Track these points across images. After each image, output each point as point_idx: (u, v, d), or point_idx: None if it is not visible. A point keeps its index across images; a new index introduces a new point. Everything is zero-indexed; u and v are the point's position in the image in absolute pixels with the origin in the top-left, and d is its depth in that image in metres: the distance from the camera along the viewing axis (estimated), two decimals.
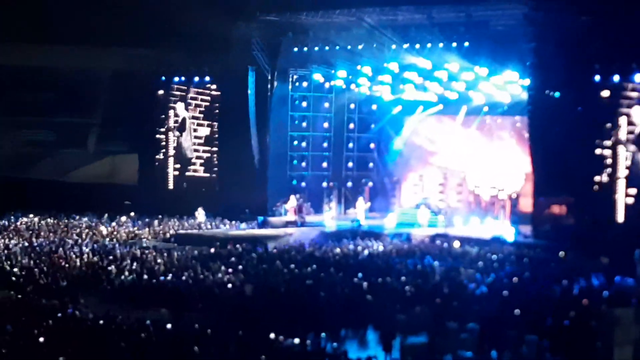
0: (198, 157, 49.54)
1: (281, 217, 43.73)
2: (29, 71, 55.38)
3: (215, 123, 49.03)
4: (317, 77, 46.47)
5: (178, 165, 49.86)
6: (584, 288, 25.79)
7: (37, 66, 55.52)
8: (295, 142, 47.45)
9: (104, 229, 40.55)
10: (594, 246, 32.38)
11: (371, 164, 48.49)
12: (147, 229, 41.30)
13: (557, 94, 37.30)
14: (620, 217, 35.26)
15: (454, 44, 40.75)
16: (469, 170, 44.93)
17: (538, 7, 37.49)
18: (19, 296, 24.58)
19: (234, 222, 43.43)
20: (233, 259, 31.07)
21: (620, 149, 35.25)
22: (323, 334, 20.75)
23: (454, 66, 41.20)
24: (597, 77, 35.71)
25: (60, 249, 33.21)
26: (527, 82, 39.14)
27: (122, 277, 27.43)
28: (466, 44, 40.48)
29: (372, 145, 48.49)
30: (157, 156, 50.22)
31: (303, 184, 47.48)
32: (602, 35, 35.80)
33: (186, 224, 43.49)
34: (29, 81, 55.84)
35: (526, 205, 40.04)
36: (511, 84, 41.01)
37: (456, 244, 35.31)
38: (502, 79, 40.80)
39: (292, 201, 44.58)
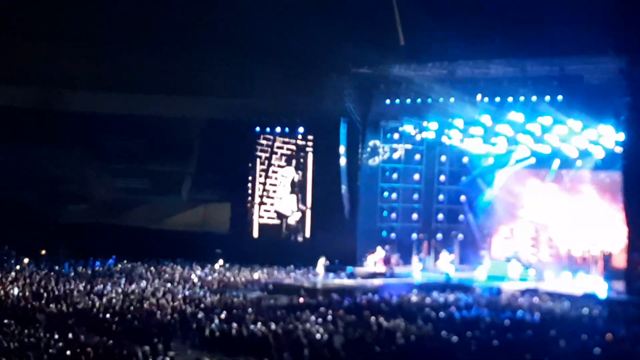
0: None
1: (369, 268, 43.68)
2: (124, 119, 56.42)
3: (307, 174, 49.39)
4: (409, 129, 46.55)
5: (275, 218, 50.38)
6: None
7: (133, 114, 56.56)
8: (386, 194, 47.51)
9: (195, 277, 41.00)
10: None
11: (461, 217, 48.20)
12: (237, 278, 41.61)
13: None
14: None
15: (547, 98, 40.61)
16: (560, 225, 44.42)
17: (633, 62, 37.22)
18: (111, 342, 24.90)
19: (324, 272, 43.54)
20: (322, 309, 31.09)
21: None
22: None
23: (547, 120, 40.99)
24: None
25: (152, 295, 33.72)
26: (621, 136, 38.79)
27: (212, 324, 27.64)
28: (559, 97, 40.33)
29: (462, 198, 48.24)
30: (249, 205, 50.89)
31: (393, 235, 47.45)
32: None
33: (276, 273, 43.70)
34: (125, 129, 56.86)
35: (619, 261, 39.44)
36: (604, 139, 40.58)
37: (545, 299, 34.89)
38: (595, 133, 40.43)
39: (380, 252, 44.57)
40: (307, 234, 49.17)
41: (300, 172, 49.74)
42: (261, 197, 50.91)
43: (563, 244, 44.06)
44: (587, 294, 36.54)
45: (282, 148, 50.38)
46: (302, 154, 49.70)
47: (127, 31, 52.78)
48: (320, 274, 41.60)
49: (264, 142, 50.79)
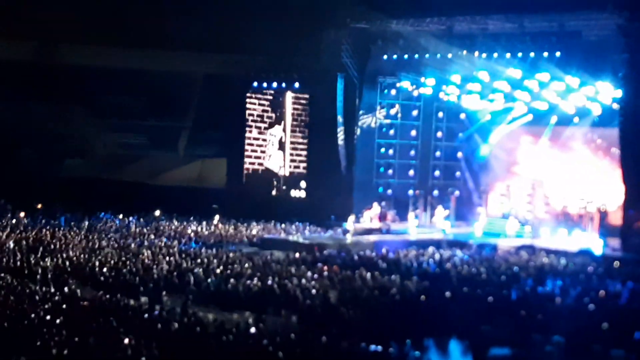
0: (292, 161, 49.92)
1: (365, 224, 43.69)
2: (122, 74, 56.30)
3: (304, 129, 49.32)
4: (406, 84, 46.37)
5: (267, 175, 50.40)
6: None
7: (130, 69, 56.44)
8: (383, 150, 47.43)
9: (191, 232, 41.06)
10: None
11: (458, 173, 48.19)
12: (233, 233, 41.68)
13: None
14: None
15: (545, 54, 40.42)
16: (556, 181, 44.44)
17: (632, 18, 37.04)
18: (107, 296, 24.96)
19: (319, 228, 43.65)
20: (319, 264, 31.15)
21: None
22: (407, 341, 20.67)
23: (545, 76, 40.86)
24: None
25: (148, 250, 33.77)
26: (618, 93, 38.67)
27: (208, 279, 27.70)
28: (557, 53, 40.13)
29: (459, 154, 48.21)
30: (245, 161, 50.80)
31: (389, 191, 47.44)
32: None
33: (272, 228, 43.76)
34: (122, 84, 56.79)
35: (615, 218, 39.49)
36: (602, 95, 40.46)
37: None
38: (593, 90, 40.32)
39: (376, 208, 44.60)
40: (303, 190, 49.14)
41: (299, 128, 49.63)
42: (254, 152, 50.89)
43: (559, 201, 44.09)
44: (582, 251, 36.64)
45: (273, 104, 50.29)
46: (299, 109, 49.56)
47: None
48: (351, 231, 41.63)
49: (260, 97, 50.65)
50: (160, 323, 21.25)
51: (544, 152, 45.24)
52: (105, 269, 28.99)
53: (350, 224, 42.08)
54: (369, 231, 42.35)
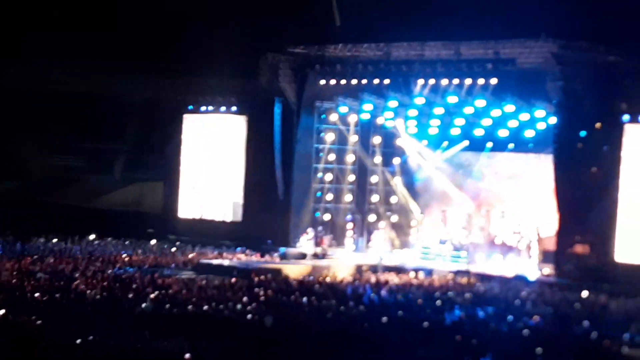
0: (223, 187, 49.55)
1: (301, 249, 43.68)
2: (59, 96, 55.83)
3: (241, 152, 49.04)
4: (344, 110, 46.47)
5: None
6: (606, 329, 25.63)
7: (67, 91, 55.99)
8: (320, 174, 47.37)
9: (126, 256, 40.68)
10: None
11: (394, 198, 48.25)
12: (169, 258, 41.37)
13: (583, 133, 37.46)
14: None
15: (481, 80, 40.78)
16: (492, 207, 44.74)
17: (566, 46, 37.63)
18: (39, 321, 24.62)
19: (255, 252, 43.53)
20: (255, 289, 31.06)
21: None
22: None
23: (481, 103, 41.24)
24: (625, 117, 35.97)
25: (82, 275, 33.39)
26: (553, 120, 39.15)
27: (143, 304, 27.46)
28: (493, 80, 40.49)
29: (396, 179, 48.28)
30: (181, 185, 50.35)
31: (326, 216, 47.40)
32: (630, 75, 36.08)
33: (208, 252, 43.51)
34: (59, 106, 56.25)
35: (550, 244, 39.86)
36: (537, 122, 40.90)
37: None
38: (528, 116, 40.73)
39: (311, 233, 44.70)
40: (240, 214, 48.84)
41: (229, 152, 49.33)
42: (192, 176, 50.49)
43: (495, 227, 44.37)
44: (517, 276, 36.97)
45: (218, 127, 49.95)
46: (236, 133, 49.32)
47: (63, 5, 52.37)
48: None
49: (195, 120, 50.24)
50: (94, 348, 21.04)
51: (480, 178, 45.53)
52: (37, 294, 28.61)
53: (305, 247, 42.36)
54: (305, 256, 42.35)
